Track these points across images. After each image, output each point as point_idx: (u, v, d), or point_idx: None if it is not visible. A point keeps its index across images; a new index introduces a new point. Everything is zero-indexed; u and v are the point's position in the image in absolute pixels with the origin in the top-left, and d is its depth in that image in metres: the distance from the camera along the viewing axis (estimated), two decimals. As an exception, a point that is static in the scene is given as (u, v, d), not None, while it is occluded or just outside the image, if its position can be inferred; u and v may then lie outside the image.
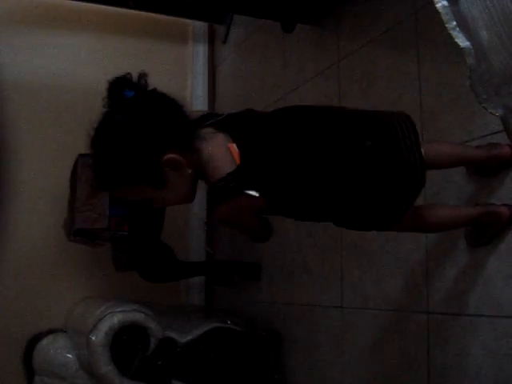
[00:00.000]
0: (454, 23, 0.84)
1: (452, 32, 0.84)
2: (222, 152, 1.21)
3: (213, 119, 1.32)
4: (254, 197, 1.18)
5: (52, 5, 2.93)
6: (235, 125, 1.30)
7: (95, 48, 3.02)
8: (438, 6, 0.86)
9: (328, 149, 1.25)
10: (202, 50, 3.29)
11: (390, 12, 1.99)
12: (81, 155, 2.46)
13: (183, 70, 3.25)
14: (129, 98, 1.22)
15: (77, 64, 2.95)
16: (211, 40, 3.33)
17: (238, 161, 1.18)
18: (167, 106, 1.25)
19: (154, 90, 1.26)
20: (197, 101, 3.22)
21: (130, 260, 2.56)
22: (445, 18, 0.85)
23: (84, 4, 2.85)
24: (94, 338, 2.20)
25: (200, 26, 3.31)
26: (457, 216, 1.53)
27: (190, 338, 2.38)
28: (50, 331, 2.56)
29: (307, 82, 2.44)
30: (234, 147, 1.20)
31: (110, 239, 2.60)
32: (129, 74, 1.26)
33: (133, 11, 2.98)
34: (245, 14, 2.68)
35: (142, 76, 1.27)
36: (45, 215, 2.82)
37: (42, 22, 2.96)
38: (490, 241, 1.57)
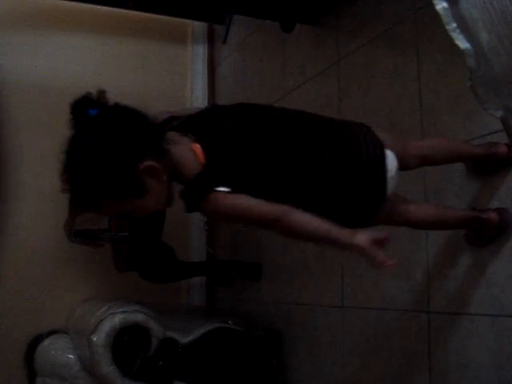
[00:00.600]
0: (454, 25, 0.84)
1: (452, 33, 0.84)
2: (188, 154, 1.25)
3: (176, 122, 1.34)
4: (226, 192, 1.20)
5: (52, 5, 2.93)
6: (197, 125, 1.32)
7: (95, 48, 3.02)
8: (438, 7, 0.86)
9: (289, 153, 1.29)
10: (201, 51, 3.29)
11: (390, 12, 2.00)
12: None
13: (183, 70, 3.25)
14: (94, 116, 1.22)
15: (77, 64, 2.95)
16: (211, 40, 3.33)
17: (202, 161, 1.23)
18: (133, 118, 1.25)
19: (117, 105, 1.26)
20: (197, 101, 3.22)
21: (130, 260, 2.56)
22: (445, 19, 0.85)
23: (85, 5, 2.85)
24: (95, 339, 2.20)
25: (199, 26, 3.31)
26: (443, 217, 1.54)
27: (191, 338, 2.38)
28: (52, 332, 2.56)
29: (307, 81, 2.44)
30: (197, 148, 1.24)
31: (111, 240, 2.60)
32: (89, 93, 1.25)
33: (133, 12, 2.98)
34: (244, 14, 2.68)
35: (101, 93, 1.25)
36: (45, 216, 2.82)
37: (42, 22, 2.96)
38: (488, 243, 1.58)
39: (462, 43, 0.83)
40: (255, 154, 1.28)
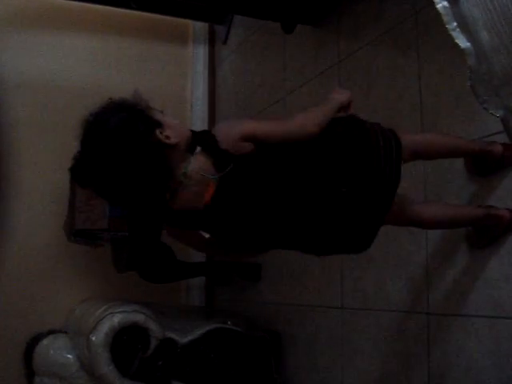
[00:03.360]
0: (455, 24, 0.84)
1: (452, 33, 0.84)
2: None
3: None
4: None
5: (53, 5, 2.93)
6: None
7: (96, 48, 3.02)
8: (439, 6, 0.86)
9: (306, 191, 1.30)
10: (202, 51, 3.29)
11: (391, 13, 1.99)
12: (81, 156, 2.46)
13: (183, 70, 3.25)
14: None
15: (78, 64, 2.95)
16: (211, 41, 3.33)
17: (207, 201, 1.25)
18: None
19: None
20: (197, 101, 3.22)
21: (130, 260, 2.56)
22: (445, 18, 0.85)
23: (85, 4, 2.85)
24: (94, 339, 2.20)
25: (200, 26, 3.31)
26: (457, 215, 1.54)
27: (190, 338, 2.38)
28: (51, 332, 2.56)
29: (308, 82, 2.44)
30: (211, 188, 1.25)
31: (110, 240, 2.60)
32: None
33: (134, 12, 2.98)
34: (245, 15, 2.68)
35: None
36: (45, 216, 2.82)
37: (43, 22, 2.96)
38: (491, 243, 1.57)
39: (463, 42, 0.83)
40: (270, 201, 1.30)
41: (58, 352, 2.43)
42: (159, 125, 1.24)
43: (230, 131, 1.26)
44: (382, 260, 1.97)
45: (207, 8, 3.02)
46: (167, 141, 1.23)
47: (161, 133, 1.23)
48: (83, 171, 1.29)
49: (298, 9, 2.39)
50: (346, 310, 2.15)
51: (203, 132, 1.32)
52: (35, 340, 2.52)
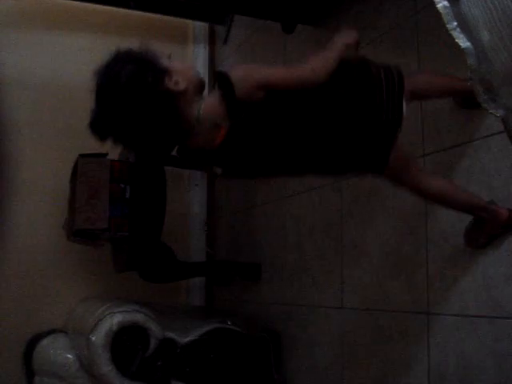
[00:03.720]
0: (455, 23, 0.84)
1: (453, 32, 0.84)
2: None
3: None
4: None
5: (53, 5, 2.93)
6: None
7: (96, 48, 3.00)
8: (439, 6, 0.86)
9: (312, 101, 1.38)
10: (202, 51, 3.29)
11: (391, 12, 1.99)
12: (81, 156, 2.46)
13: (184, 70, 3.25)
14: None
15: (77, 64, 2.94)
16: (212, 40, 3.33)
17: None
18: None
19: None
20: (197, 101, 3.22)
21: (130, 260, 2.56)
22: (445, 18, 0.85)
23: (86, 4, 2.85)
24: (94, 339, 2.20)
25: (201, 26, 3.31)
26: (454, 196, 1.55)
27: (189, 338, 2.38)
28: (50, 331, 2.56)
29: (308, 82, 2.44)
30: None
31: (110, 239, 2.60)
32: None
33: (134, 12, 2.98)
34: (245, 15, 2.68)
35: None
36: (45, 216, 2.82)
37: (43, 21, 2.96)
38: (490, 242, 1.57)
39: (463, 42, 0.83)
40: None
41: (57, 352, 2.44)
42: (167, 72, 1.31)
43: (247, 79, 1.31)
44: (382, 260, 1.97)
45: (207, 8, 3.02)
46: (176, 88, 1.29)
47: (169, 80, 1.30)
48: (101, 124, 1.35)
49: (299, 9, 2.39)
50: (346, 309, 2.15)
51: (220, 76, 1.34)
52: (35, 340, 2.52)
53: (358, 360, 2.06)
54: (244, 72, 1.34)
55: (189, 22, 3.27)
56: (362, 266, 2.06)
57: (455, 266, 1.69)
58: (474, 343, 1.60)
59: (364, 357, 2.04)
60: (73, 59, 2.95)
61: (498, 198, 1.56)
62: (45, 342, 2.49)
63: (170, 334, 2.34)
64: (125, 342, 2.25)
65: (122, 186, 2.48)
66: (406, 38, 1.91)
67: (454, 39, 0.86)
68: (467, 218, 1.64)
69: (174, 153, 1.44)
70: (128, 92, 1.29)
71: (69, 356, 2.40)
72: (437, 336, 1.73)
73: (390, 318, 1.94)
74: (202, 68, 3.27)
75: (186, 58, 3.29)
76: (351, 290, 2.12)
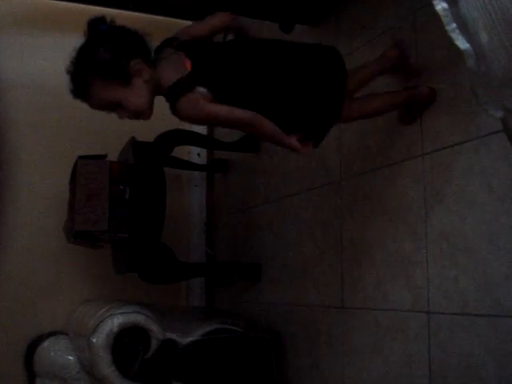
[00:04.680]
0: (454, 25, 0.84)
1: (452, 34, 0.84)
2: (176, 65, 1.52)
3: (176, 42, 1.61)
4: (203, 91, 1.47)
5: (51, 6, 2.93)
6: (194, 46, 1.59)
7: (94, 50, 3.01)
8: (438, 7, 0.86)
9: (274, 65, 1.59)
10: (200, 51, 3.28)
11: (389, 12, 2.00)
12: (80, 157, 2.46)
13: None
14: (104, 30, 1.54)
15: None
16: (210, 41, 3.32)
17: (189, 68, 1.49)
18: (134, 32, 1.58)
19: (124, 26, 1.57)
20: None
21: (130, 262, 2.56)
22: (444, 19, 0.85)
23: (84, 6, 2.84)
24: (94, 340, 2.20)
25: (199, 27, 3.30)
26: (391, 102, 1.81)
27: (190, 339, 2.38)
28: (51, 333, 2.56)
29: (306, 82, 2.44)
30: (187, 60, 1.51)
31: (110, 241, 2.60)
32: (103, 16, 1.57)
33: (132, 13, 2.97)
34: (243, 15, 2.67)
35: (113, 20, 1.58)
36: (45, 217, 2.82)
37: (42, 23, 2.96)
38: (415, 119, 1.83)
39: (462, 44, 0.83)
40: (238, 72, 1.55)
41: (58, 354, 2.44)
42: (137, 60, 1.53)
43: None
44: (382, 260, 1.97)
45: (205, 9, 3.02)
46: (136, 73, 1.52)
47: (135, 65, 1.52)
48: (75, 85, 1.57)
49: (296, 9, 2.39)
50: (346, 309, 2.15)
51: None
52: (36, 342, 2.52)
53: (359, 360, 2.07)
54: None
55: (187, 23, 3.26)
56: (362, 266, 2.07)
57: (455, 265, 1.69)
58: (475, 342, 1.61)
59: (364, 357, 2.04)
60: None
61: (498, 198, 1.56)
62: (46, 344, 2.49)
63: (171, 335, 2.34)
64: (126, 343, 2.25)
65: (122, 187, 2.48)
66: (405, 37, 1.91)
67: (453, 40, 0.86)
68: (467, 218, 1.65)
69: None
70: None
71: (70, 358, 2.40)
72: (437, 335, 1.74)
73: (390, 317, 1.94)
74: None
75: (185, 58, 3.29)
76: (351, 289, 2.12)
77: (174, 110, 1.51)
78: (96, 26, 1.55)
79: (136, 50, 1.54)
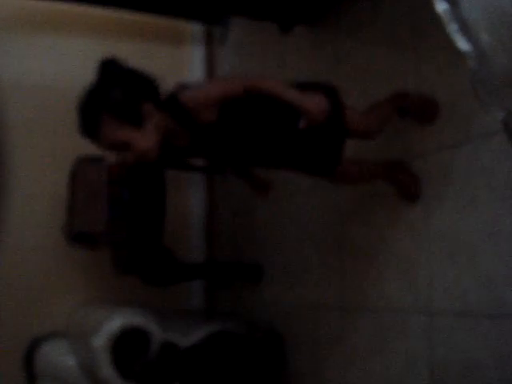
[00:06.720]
0: (455, 26, 0.84)
1: (453, 35, 0.84)
2: None
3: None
4: None
5: (49, 7, 2.93)
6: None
7: (93, 50, 3.00)
8: (439, 8, 0.85)
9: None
10: (200, 52, 3.28)
11: (389, 12, 1.99)
12: (79, 158, 2.46)
13: (181, 71, 3.24)
14: (117, 71, 1.56)
15: (74, 67, 2.94)
16: (209, 41, 3.32)
17: None
18: (149, 76, 1.61)
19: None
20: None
21: (130, 264, 2.56)
22: (445, 20, 0.85)
23: (83, 7, 2.85)
24: (95, 342, 2.20)
25: (198, 27, 3.30)
26: (370, 172, 1.87)
27: (191, 341, 2.38)
28: (51, 335, 2.55)
29: (306, 82, 2.44)
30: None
31: (110, 242, 2.59)
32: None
33: (131, 13, 2.97)
34: (243, 16, 2.68)
35: (124, 61, 1.59)
36: (44, 219, 2.81)
37: (40, 24, 2.95)
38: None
39: (463, 44, 0.83)
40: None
41: (58, 356, 2.43)
42: (150, 104, 1.54)
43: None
44: (382, 260, 1.97)
45: (205, 9, 3.02)
46: (147, 114, 1.53)
47: (147, 107, 1.53)
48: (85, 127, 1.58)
49: (296, 9, 2.39)
50: (347, 309, 2.15)
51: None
52: (36, 344, 2.52)
53: (360, 360, 2.07)
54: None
55: (186, 23, 3.26)
56: (362, 266, 2.06)
57: (456, 265, 1.69)
58: (476, 342, 1.61)
59: (366, 357, 2.04)
60: (70, 62, 2.95)
61: (498, 198, 1.56)
62: (46, 346, 2.49)
63: (172, 337, 2.34)
64: (126, 345, 2.24)
65: (121, 188, 2.48)
66: (404, 38, 1.91)
67: (454, 41, 0.86)
68: (467, 218, 1.64)
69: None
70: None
71: (70, 360, 2.40)
72: (439, 335, 1.74)
73: (391, 317, 1.94)
74: (199, 70, 3.27)
75: (184, 59, 3.29)
76: (352, 289, 2.12)
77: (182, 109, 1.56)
78: (108, 67, 1.55)
79: (148, 93, 1.55)
